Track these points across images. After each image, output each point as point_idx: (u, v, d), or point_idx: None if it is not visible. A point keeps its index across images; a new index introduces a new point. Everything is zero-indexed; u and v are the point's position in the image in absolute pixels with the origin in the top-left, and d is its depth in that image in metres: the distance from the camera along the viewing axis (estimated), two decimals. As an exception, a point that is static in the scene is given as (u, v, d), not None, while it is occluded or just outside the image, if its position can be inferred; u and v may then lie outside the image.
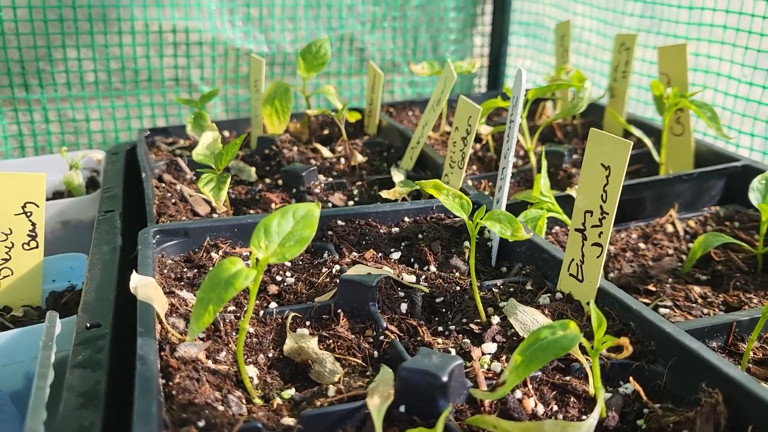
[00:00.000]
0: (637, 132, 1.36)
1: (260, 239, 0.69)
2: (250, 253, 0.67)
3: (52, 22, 1.68)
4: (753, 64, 1.45)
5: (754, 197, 1.06)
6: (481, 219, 0.79)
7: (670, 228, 1.21)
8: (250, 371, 0.75)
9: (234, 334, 0.80)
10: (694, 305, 1.00)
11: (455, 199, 0.81)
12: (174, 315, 0.80)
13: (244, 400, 0.69)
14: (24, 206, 1.07)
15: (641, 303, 0.78)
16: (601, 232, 0.81)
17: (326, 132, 1.60)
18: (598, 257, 0.82)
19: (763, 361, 0.84)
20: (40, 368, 0.68)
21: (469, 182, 1.31)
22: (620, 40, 1.50)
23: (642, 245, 1.16)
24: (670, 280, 1.07)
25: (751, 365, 0.83)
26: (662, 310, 0.98)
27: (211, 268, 0.92)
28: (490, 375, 0.72)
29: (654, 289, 1.04)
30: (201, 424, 0.62)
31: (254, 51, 1.89)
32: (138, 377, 0.63)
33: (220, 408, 0.65)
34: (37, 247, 1.08)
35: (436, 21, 2.08)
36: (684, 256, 1.14)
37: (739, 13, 1.43)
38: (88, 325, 0.79)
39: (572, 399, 0.69)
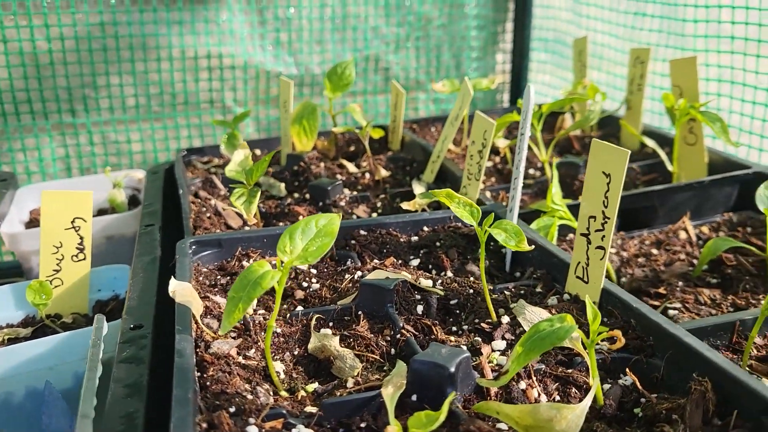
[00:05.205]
0: (650, 143, 1.41)
1: (285, 245, 0.76)
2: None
3: (97, 51, 1.80)
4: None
5: (760, 203, 1.10)
6: (489, 227, 0.85)
7: (683, 234, 1.25)
8: (277, 367, 0.82)
9: (263, 333, 0.87)
10: (702, 307, 1.04)
11: (465, 208, 0.87)
12: (208, 316, 0.88)
13: (271, 392, 0.76)
14: (73, 221, 1.16)
15: (640, 301, 0.82)
16: (604, 236, 0.86)
17: (352, 148, 1.67)
18: (601, 259, 0.87)
19: (766, 358, 0.88)
20: (90, 362, 0.76)
21: (488, 193, 1.37)
22: (635, 54, 1.55)
23: (654, 251, 1.20)
24: (680, 283, 1.10)
25: (753, 362, 0.87)
26: (671, 312, 1.03)
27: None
28: (497, 368, 0.78)
29: (664, 292, 1.08)
30: (232, 410, 0.69)
31: (284, 73, 1.99)
32: (176, 369, 0.70)
33: (249, 397, 0.72)
34: (84, 259, 1.17)
35: (458, 40, 2.15)
36: (696, 261, 1.17)
37: (759, 25, 1.45)
38: (132, 326, 0.87)
39: (573, 390, 0.74)
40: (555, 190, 1.11)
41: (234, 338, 0.84)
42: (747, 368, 0.86)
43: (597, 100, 1.30)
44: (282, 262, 0.75)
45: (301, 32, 1.98)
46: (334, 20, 2.00)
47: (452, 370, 0.70)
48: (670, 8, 1.72)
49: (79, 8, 1.75)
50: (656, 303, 1.06)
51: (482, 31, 2.17)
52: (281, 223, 1.29)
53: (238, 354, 0.82)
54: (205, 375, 0.75)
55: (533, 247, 0.87)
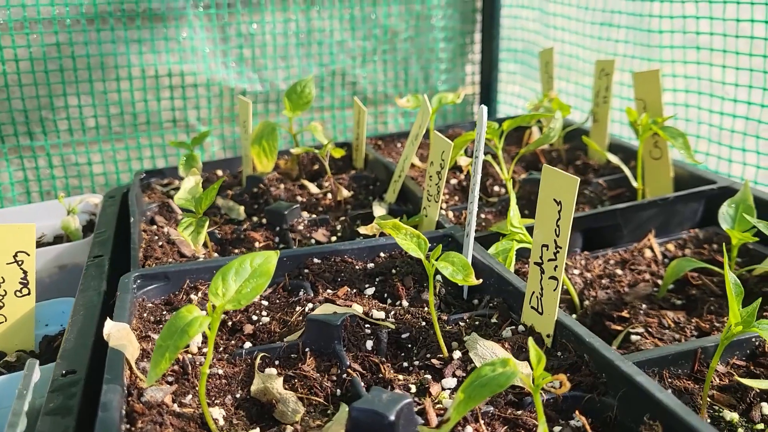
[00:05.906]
0: (613, 158, 1.38)
1: (218, 287, 0.72)
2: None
3: (53, 72, 1.75)
4: (734, 81, 1.47)
5: (723, 222, 1.07)
6: (436, 260, 0.81)
7: (648, 253, 1.22)
8: (217, 413, 0.78)
9: (203, 376, 0.83)
10: (666, 331, 1.01)
11: (412, 239, 0.84)
12: (145, 360, 0.84)
13: (207, 442, 0.72)
14: (15, 255, 1.11)
15: (594, 335, 0.79)
16: (557, 266, 0.83)
17: (316, 167, 1.64)
18: (554, 290, 0.84)
19: (728, 388, 0.85)
20: (12, 417, 0.71)
21: (451, 213, 1.34)
22: (600, 66, 1.53)
23: (619, 271, 1.17)
24: (644, 306, 1.07)
25: (714, 392, 0.84)
26: (633, 337, 0.99)
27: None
28: (444, 411, 0.74)
29: (627, 315, 1.05)
30: (157, 468, 0.65)
31: (248, 90, 1.95)
32: (98, 424, 0.66)
33: (179, 451, 0.68)
34: (29, 293, 1.13)
35: (426, 52, 2.12)
36: (660, 281, 1.15)
37: (736, 36, 1.43)
38: (64, 372, 0.82)
39: (522, 433, 0.71)
40: (513, 212, 1.07)
41: (170, 384, 0.80)
42: (708, 399, 0.83)
43: (557, 117, 1.27)
44: (213, 306, 0.71)
45: (265, 48, 1.95)
46: (298, 35, 1.97)
47: (392, 418, 0.66)
48: (637, 19, 1.70)
49: (33, 29, 1.71)
50: (619, 327, 1.03)
51: (450, 43, 2.14)
52: (237, 250, 1.25)
53: (173, 401, 0.77)
54: (133, 428, 0.70)
55: (480, 281, 0.84)
